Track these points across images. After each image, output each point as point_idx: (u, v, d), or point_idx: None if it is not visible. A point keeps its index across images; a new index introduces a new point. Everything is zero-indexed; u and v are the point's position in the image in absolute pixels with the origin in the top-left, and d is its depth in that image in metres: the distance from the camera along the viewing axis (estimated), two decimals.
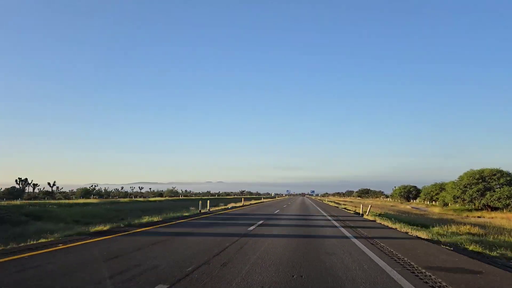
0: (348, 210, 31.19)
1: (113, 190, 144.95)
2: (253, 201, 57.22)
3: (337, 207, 39.87)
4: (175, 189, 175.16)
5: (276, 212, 26.33)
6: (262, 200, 73.85)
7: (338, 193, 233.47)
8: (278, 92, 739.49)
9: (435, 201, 60.55)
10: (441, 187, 54.65)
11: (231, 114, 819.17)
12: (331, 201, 68.60)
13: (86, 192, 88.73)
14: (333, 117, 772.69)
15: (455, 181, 43.91)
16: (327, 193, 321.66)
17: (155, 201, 52.82)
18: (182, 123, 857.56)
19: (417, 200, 76.04)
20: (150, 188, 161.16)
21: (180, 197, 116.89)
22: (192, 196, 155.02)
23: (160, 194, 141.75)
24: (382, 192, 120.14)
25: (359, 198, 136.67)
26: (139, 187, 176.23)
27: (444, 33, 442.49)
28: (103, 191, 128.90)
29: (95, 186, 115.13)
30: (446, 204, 46.21)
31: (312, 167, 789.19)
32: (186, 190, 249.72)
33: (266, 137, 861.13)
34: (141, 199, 77.08)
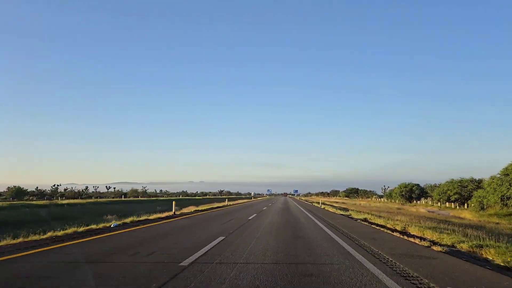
0: (370, 222, 17.45)
1: (80, 190, 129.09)
2: (229, 203, 46.89)
3: (338, 213, 26.26)
4: (145, 188, 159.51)
5: (251, 218, 19.73)
6: (237, 202, 60.17)
7: (322, 193, 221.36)
8: (261, 88, 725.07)
9: (453, 202, 48.12)
10: (478, 185, 41.85)
11: (215, 111, 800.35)
12: (318, 202, 55.64)
13: (18, 192, 72.57)
14: (316, 113, 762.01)
15: (500, 177, 31.15)
16: (309, 193, 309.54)
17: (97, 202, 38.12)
18: (164, 122, 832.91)
19: (423, 201, 63.67)
20: (114, 188, 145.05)
21: (139, 198, 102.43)
22: (162, 197, 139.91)
23: (124, 194, 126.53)
24: (374, 192, 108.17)
25: (346, 198, 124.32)
26: (106, 186, 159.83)
27: (438, 24, 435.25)
28: (64, 191, 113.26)
29: (68, 185, 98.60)
30: (483, 207, 33.27)
31: (294, 166, 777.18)
32: (161, 190, 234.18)
33: (249, 136, 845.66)
34: (90, 200, 63.28)
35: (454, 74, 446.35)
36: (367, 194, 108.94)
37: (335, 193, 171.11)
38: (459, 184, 47.21)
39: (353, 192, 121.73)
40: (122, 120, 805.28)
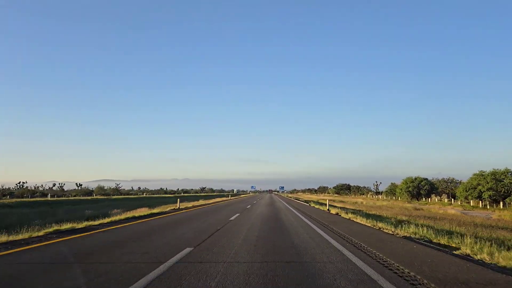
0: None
1: (44, 188, 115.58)
2: (208, 201, 41.65)
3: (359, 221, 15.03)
4: (119, 186, 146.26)
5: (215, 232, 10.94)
6: (215, 200, 48.97)
7: (309, 189, 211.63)
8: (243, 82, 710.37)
9: (482, 200, 38.01)
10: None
11: (199, 108, 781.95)
12: (312, 201, 44.86)
13: None
14: (300, 106, 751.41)
15: None
16: (295, 190, 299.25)
17: None
18: (150, 120, 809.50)
19: (434, 199, 53.49)
20: (81, 185, 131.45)
21: (94, 197, 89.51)
22: (136, 194, 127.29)
23: (90, 192, 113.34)
24: (368, 188, 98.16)
25: (337, 195, 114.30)
26: (76, 183, 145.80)
27: (433, 19, 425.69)
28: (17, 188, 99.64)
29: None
30: None
31: (280, 162, 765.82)
32: (140, 188, 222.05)
33: (234, 131, 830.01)
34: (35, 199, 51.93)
35: (441, 64, 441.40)
36: (360, 190, 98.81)
37: (323, 189, 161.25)
38: (492, 177, 36.95)
39: (344, 189, 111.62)
40: (107, 118, 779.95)
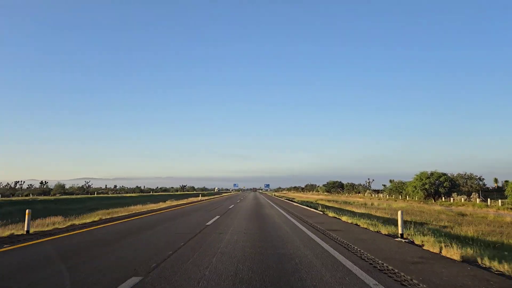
0: None
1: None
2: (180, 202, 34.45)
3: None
4: (88, 184, 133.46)
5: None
6: (188, 201, 38.15)
7: (296, 187, 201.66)
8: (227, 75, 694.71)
9: None
10: None
11: (184, 106, 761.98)
12: (315, 201, 34.24)
13: None
14: (283, 102, 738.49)
15: None
16: (280, 188, 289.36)
17: None
18: (133, 116, 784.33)
19: (459, 198, 43.51)
20: (45, 183, 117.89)
21: (72, 196, 77.60)
22: (107, 193, 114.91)
23: (46, 192, 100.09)
24: (364, 186, 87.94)
25: (327, 194, 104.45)
26: (41, 182, 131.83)
27: (425, 14, 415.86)
28: None
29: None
30: None
31: (265, 159, 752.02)
32: (116, 186, 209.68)
33: (218, 129, 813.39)
34: None
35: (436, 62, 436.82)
36: (355, 188, 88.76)
37: (311, 187, 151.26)
38: None
39: (336, 186, 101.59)
40: (92, 115, 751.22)
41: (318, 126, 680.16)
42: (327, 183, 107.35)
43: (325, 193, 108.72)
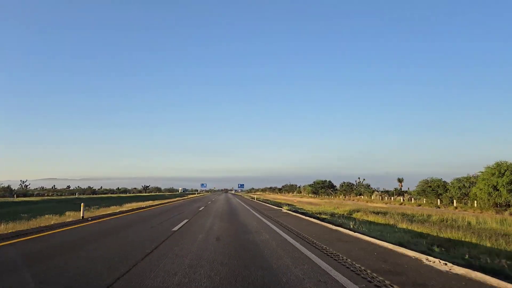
0: None
1: None
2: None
3: None
4: (25, 184, 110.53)
5: None
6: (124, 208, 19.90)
7: (272, 188, 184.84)
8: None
9: None
10: None
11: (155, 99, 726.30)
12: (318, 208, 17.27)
13: None
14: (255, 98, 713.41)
15: None
16: (253, 189, 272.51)
17: None
18: (107, 114, 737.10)
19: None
20: None
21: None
22: (45, 195, 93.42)
23: None
24: (368, 185, 71.24)
25: (313, 195, 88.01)
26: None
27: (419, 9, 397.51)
28: None
29: None
30: None
31: (237, 157, 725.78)
32: (69, 187, 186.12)
33: (188, 126, 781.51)
34: None
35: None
36: (354, 188, 72.17)
37: (290, 188, 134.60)
38: None
39: (325, 187, 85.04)
40: (61, 114, 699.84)
41: (294, 125, 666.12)
42: (314, 182, 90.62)
43: (311, 195, 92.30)
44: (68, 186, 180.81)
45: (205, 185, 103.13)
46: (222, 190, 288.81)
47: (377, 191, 64.04)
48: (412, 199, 47.76)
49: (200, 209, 23.18)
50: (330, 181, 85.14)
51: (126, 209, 23.57)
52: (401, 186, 68.43)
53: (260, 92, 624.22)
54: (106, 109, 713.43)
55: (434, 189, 41.06)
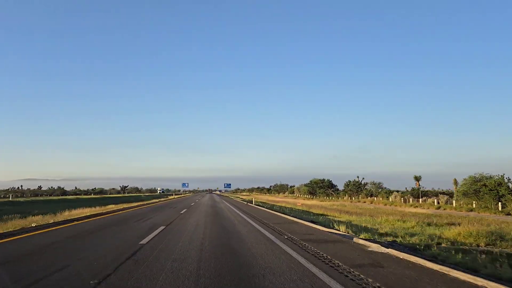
0: None
1: None
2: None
3: None
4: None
5: None
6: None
7: (260, 188, 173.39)
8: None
9: None
10: None
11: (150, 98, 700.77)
12: None
13: None
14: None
15: None
16: (238, 189, 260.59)
17: None
18: (91, 113, 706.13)
19: None
20: None
21: None
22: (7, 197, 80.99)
23: None
24: (381, 185, 59.90)
25: (309, 196, 76.93)
26: None
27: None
28: None
29: None
30: None
31: (222, 155, 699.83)
32: (40, 187, 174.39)
33: (174, 125, 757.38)
34: None
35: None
36: (361, 189, 61.16)
37: (281, 188, 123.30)
38: None
39: (324, 186, 74.06)
40: (42, 112, 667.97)
41: (281, 124, 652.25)
42: (311, 181, 79.31)
43: (306, 196, 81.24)
44: (40, 187, 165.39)
45: (186, 184, 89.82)
46: (206, 190, 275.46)
47: (396, 191, 53.18)
48: (454, 202, 37.17)
49: (172, 218, 11.45)
50: (329, 180, 74.09)
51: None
52: (419, 185, 58.15)
53: (245, 89, 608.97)
54: (93, 108, 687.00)
55: (492, 189, 30.33)
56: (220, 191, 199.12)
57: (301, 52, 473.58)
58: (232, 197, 78.14)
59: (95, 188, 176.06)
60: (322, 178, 76.29)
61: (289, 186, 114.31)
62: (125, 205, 29.63)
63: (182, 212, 21.89)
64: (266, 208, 26.99)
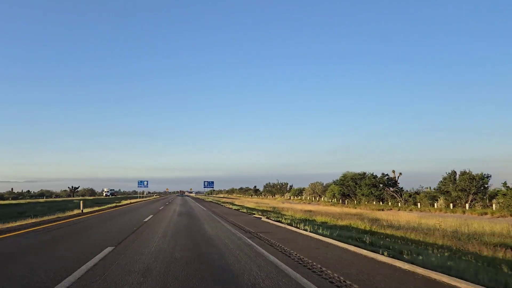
0: None
1: None
2: None
3: None
4: None
5: None
6: None
7: (244, 189, 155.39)
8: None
9: None
10: None
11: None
12: None
13: None
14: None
15: None
16: (214, 190, 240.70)
17: None
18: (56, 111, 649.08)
19: None
20: None
21: None
22: None
23: None
24: (396, 184, 43.90)
25: (334, 202, 60.80)
26: None
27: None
28: None
29: None
30: None
31: (202, 154, 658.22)
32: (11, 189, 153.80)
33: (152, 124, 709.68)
34: None
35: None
36: (382, 190, 44.56)
37: (271, 190, 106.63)
38: None
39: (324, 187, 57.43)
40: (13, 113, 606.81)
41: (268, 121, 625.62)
42: (341, 177, 58.11)
43: (331, 201, 65.11)
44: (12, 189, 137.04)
45: (144, 183, 65.75)
46: (178, 192, 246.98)
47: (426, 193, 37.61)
48: (493, 205, 31.90)
49: None
50: (388, 175, 50.27)
51: None
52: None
53: (222, 80, 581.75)
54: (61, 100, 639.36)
55: None
56: (196, 192, 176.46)
57: (291, 49, 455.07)
58: (220, 203, 52.51)
59: (29, 190, 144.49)
60: (317, 181, 58.80)
61: (289, 186, 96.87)
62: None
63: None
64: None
